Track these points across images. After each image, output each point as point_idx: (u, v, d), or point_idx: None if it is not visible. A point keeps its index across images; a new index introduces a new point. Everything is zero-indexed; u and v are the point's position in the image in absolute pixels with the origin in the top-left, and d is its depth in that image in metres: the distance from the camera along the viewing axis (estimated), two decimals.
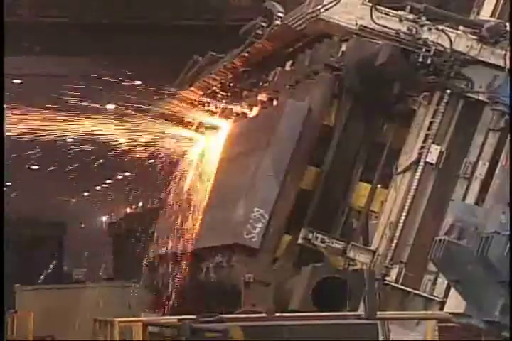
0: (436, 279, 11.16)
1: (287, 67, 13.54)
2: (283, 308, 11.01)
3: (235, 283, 12.01)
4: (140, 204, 16.55)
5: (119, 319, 11.07)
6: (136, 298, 15.02)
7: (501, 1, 12.00)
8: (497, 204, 6.24)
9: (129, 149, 15.21)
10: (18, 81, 24.45)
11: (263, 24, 13.75)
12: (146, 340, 10.13)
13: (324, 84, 12.06)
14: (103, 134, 14.83)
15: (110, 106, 14.71)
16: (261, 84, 13.94)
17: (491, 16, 12.03)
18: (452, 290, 9.45)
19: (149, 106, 14.83)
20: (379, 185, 12.14)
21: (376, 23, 11.67)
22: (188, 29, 21.44)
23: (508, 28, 11.58)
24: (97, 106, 14.66)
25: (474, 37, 11.67)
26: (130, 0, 23.34)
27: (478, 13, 12.08)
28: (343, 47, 12.10)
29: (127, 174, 15.96)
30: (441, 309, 10.90)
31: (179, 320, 9.25)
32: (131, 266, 16.13)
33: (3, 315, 6.76)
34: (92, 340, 12.24)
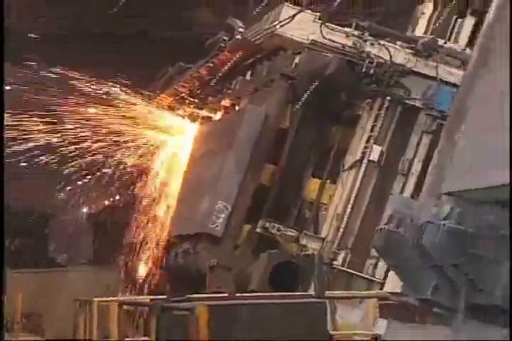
0: (377, 263, 11.21)
1: (247, 77, 13.55)
2: (243, 289, 11.01)
3: (200, 267, 12.00)
4: (117, 197, 16.45)
5: (97, 299, 11.02)
6: (113, 280, 14.94)
7: (433, 20, 12.06)
8: (430, 197, 6.25)
9: (108, 149, 15.12)
10: None
11: (226, 38, 13.74)
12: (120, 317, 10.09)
13: (280, 92, 12.09)
14: (85, 135, 14.72)
15: (92, 110, 14.60)
16: (224, 91, 13.93)
17: (425, 33, 12.10)
18: (391, 272, 9.48)
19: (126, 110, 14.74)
20: (328, 181, 12.18)
21: (325, 38, 11.69)
22: (162, 41, 21.27)
23: (440, 43, 11.66)
24: (79, 109, 14.53)
25: (410, 51, 11.73)
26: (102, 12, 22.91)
27: (413, 30, 12.13)
28: (297, 59, 12.12)
29: (105, 170, 15.83)
30: (381, 289, 10.95)
31: (151, 299, 9.23)
32: (109, 253, 16.03)
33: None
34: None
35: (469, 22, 11.96)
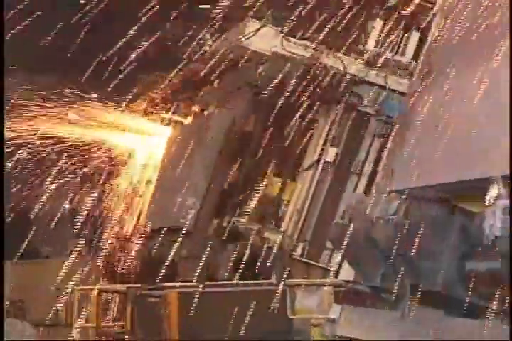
0: (332, 254, 11.24)
1: (215, 84, 13.55)
2: (211, 278, 11.02)
3: (173, 258, 11.98)
4: (95, 194, 16.38)
5: (78, 287, 10.99)
6: (94, 270, 14.87)
7: (382, 35, 12.13)
8: (380, 195, 6.32)
9: (87, 149, 15.05)
10: None
11: (196, 49, 13.73)
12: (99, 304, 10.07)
13: (245, 98, 12.09)
14: (68, 138, 14.64)
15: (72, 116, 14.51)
16: (195, 97, 13.92)
17: (375, 46, 12.16)
18: (345, 262, 9.55)
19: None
20: (288, 179, 12.20)
21: (286, 50, 11.73)
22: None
23: (388, 55, 11.75)
24: (61, 115, 14.45)
25: (362, 62, 11.81)
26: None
27: (365, 44, 12.19)
28: (260, 69, 12.13)
29: (85, 170, 15.76)
30: (336, 277, 10.98)
31: (127, 287, 9.21)
32: (90, 245, 15.94)
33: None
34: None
35: (414, 37, 12.05)
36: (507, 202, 4.76)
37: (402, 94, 11.00)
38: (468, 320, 5.23)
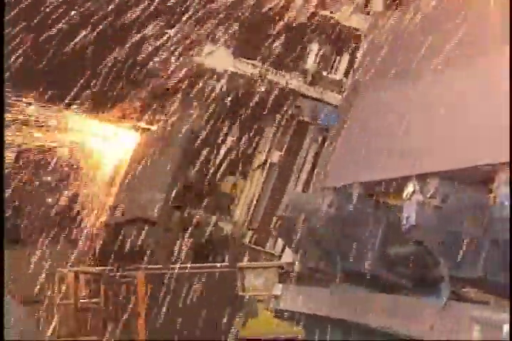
0: (276, 241, 11.26)
1: (178, 97, 13.48)
2: (173, 261, 10.97)
3: (141, 244, 11.91)
4: (74, 191, 16.25)
5: (58, 269, 10.88)
6: (72, 255, 14.70)
7: (319, 55, 12.19)
8: (316, 191, 6.33)
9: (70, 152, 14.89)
10: None
11: (161, 67, 13.66)
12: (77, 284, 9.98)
13: (203, 109, 12.07)
14: (53, 142, 14.47)
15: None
16: (160, 108, 13.84)
17: (312, 64, 12.21)
18: (287, 248, 9.59)
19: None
20: (240, 177, 12.21)
21: (237, 69, 11.73)
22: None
23: (324, 73, 11.83)
24: (48, 123, 14.26)
25: (302, 79, 11.86)
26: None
27: (305, 63, 12.24)
28: (217, 84, 12.10)
29: (66, 169, 15.61)
30: (279, 260, 11.01)
31: (102, 270, 9.13)
32: (71, 234, 15.76)
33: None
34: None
35: (345, 58, 12.14)
36: (421, 196, 4.80)
37: (335, 106, 11.07)
38: (389, 295, 5.28)
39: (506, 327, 3.35)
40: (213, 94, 11.99)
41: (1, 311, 6.08)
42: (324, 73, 11.95)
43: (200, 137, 11.98)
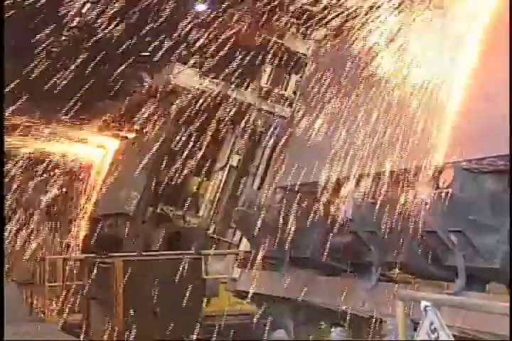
0: (235, 232, 11.28)
1: (151, 109, 13.39)
2: (147, 249, 10.92)
3: (119, 235, 11.84)
4: (64, 189, 16.05)
5: (48, 256, 10.77)
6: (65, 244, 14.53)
7: (272, 74, 12.24)
8: (269, 189, 6.36)
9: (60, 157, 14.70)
10: None
11: (137, 84, 13.61)
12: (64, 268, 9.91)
13: (174, 121, 12.02)
14: (46, 148, 14.26)
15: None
16: (136, 119, 13.75)
17: (266, 83, 12.26)
18: (243, 238, 9.61)
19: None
20: (205, 179, 12.20)
21: (202, 86, 11.72)
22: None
23: (276, 90, 11.89)
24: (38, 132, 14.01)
25: (258, 94, 11.91)
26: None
27: (259, 80, 12.27)
28: (185, 99, 12.05)
29: (56, 171, 15.41)
30: (237, 248, 11.04)
31: (85, 257, 9.06)
32: (61, 226, 15.56)
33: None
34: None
35: (294, 77, 12.20)
36: (358, 194, 4.84)
37: (285, 118, 11.14)
38: (330, 277, 5.32)
39: (424, 303, 3.41)
40: (183, 107, 11.94)
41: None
42: (276, 90, 12.00)
43: (171, 144, 11.93)
